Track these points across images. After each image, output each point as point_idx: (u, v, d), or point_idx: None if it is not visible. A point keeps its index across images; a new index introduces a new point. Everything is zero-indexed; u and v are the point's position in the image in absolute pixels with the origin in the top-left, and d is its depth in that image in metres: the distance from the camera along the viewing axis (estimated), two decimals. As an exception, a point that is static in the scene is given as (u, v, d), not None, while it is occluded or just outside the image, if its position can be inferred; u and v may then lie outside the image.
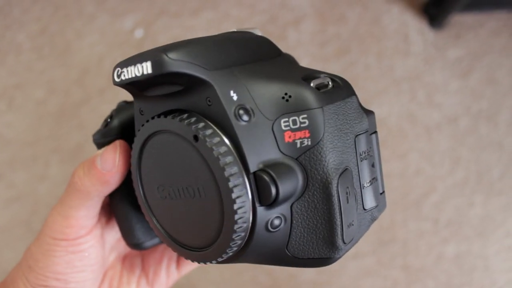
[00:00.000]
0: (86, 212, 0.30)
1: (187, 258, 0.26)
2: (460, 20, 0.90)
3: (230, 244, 0.23)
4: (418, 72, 0.89)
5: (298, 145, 0.23)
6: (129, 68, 0.24)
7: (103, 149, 0.29)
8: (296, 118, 0.23)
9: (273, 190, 0.22)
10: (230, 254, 0.24)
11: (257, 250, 0.24)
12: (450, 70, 0.89)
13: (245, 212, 0.23)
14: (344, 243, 0.24)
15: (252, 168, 0.22)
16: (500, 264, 0.83)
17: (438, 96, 0.88)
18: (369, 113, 0.26)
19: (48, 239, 0.29)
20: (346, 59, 0.90)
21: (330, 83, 0.24)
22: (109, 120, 0.30)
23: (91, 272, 0.31)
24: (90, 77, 0.91)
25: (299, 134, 0.23)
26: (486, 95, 0.88)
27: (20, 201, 0.86)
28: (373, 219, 0.27)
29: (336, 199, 0.23)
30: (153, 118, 0.25)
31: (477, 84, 0.88)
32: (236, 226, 0.23)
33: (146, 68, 0.23)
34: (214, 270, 0.83)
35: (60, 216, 0.29)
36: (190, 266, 0.36)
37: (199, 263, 0.26)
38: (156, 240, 0.32)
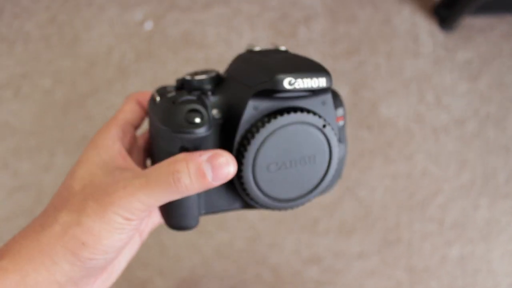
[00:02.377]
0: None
1: (280, 208, 0.35)
2: (470, 23, 0.90)
3: (326, 188, 0.37)
4: (427, 74, 0.89)
5: (339, 124, 0.37)
6: (304, 80, 0.30)
7: (209, 155, 0.30)
8: (340, 110, 0.37)
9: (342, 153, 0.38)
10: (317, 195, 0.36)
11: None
12: (459, 72, 0.89)
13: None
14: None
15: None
16: (504, 267, 0.84)
17: (447, 98, 0.88)
18: None
19: (120, 219, 0.30)
20: (356, 58, 0.90)
21: None
22: (199, 119, 0.31)
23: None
24: (98, 69, 0.91)
25: (340, 118, 0.37)
26: (495, 99, 0.88)
27: (24, 191, 0.86)
28: None
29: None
30: (280, 114, 0.32)
31: (485, 88, 0.88)
32: (333, 175, 0.36)
33: (322, 82, 0.31)
34: (218, 264, 0.83)
35: (141, 203, 0.29)
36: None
37: (291, 208, 0.36)
38: (198, 219, 0.36)
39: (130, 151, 0.36)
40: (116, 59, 0.91)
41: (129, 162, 0.33)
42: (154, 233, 0.85)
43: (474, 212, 0.85)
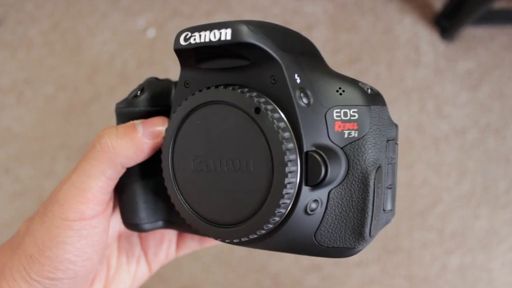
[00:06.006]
0: (105, 183, 0.26)
1: (211, 235, 0.25)
2: (471, 33, 0.91)
3: (270, 219, 0.23)
4: (428, 83, 0.89)
5: (346, 135, 0.24)
6: (203, 33, 0.23)
7: (142, 120, 0.28)
8: (347, 110, 0.24)
9: (323, 171, 0.23)
10: (263, 232, 0.24)
11: (288, 233, 0.25)
12: (460, 82, 0.89)
13: (292, 188, 0.23)
14: (370, 236, 0.25)
15: (306, 147, 0.23)
16: (504, 278, 0.84)
17: (447, 108, 0.88)
18: (395, 125, 0.28)
19: (59, 221, 0.25)
20: (357, 67, 0.90)
21: (370, 90, 0.26)
22: (139, 92, 0.29)
23: (97, 258, 0.28)
24: (100, 75, 0.91)
25: (348, 125, 0.24)
26: (495, 109, 0.88)
27: (25, 196, 0.86)
28: (386, 222, 0.28)
29: (372, 191, 0.25)
30: (206, 89, 0.24)
31: (486, 97, 0.89)
32: (281, 201, 0.23)
33: (225, 34, 0.23)
34: (218, 271, 0.83)
35: (75, 188, 0.26)
36: (188, 249, 0.35)
37: (224, 241, 0.25)
38: (156, 225, 0.31)
39: None
40: (119, 66, 0.91)
41: None
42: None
43: (474, 222, 0.85)
